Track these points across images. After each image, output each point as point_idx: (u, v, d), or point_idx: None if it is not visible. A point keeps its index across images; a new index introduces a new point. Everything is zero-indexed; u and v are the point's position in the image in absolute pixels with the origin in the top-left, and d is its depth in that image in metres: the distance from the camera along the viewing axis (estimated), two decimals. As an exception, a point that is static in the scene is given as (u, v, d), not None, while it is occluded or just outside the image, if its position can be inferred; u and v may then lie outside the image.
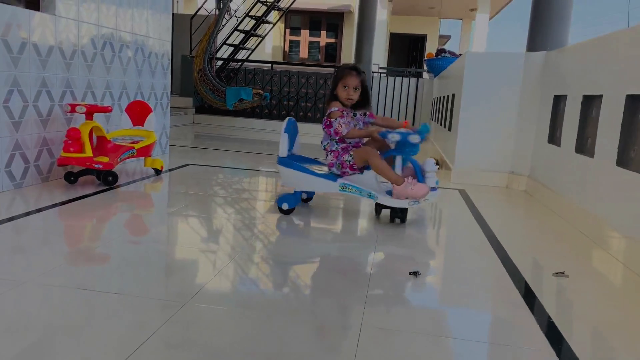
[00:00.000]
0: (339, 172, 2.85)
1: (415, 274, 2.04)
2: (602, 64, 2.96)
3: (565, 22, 4.15)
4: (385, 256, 2.36)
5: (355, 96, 2.87)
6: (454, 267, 2.32)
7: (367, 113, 2.98)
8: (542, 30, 4.17)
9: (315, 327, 1.58)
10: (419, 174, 2.82)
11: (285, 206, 2.85)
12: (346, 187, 2.80)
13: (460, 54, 7.16)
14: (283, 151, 2.86)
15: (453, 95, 5.05)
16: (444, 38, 20.32)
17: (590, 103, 3.06)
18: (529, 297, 1.94)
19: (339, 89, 2.86)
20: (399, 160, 2.82)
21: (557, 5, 4.12)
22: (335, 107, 2.86)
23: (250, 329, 1.53)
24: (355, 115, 2.97)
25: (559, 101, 3.63)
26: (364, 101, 2.94)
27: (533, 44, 4.20)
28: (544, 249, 2.64)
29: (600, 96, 2.86)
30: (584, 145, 3.10)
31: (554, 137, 3.65)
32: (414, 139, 2.69)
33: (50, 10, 3.20)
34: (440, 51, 7.78)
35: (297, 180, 2.87)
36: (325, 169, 2.94)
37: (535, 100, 4.03)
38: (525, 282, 2.09)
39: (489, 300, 1.95)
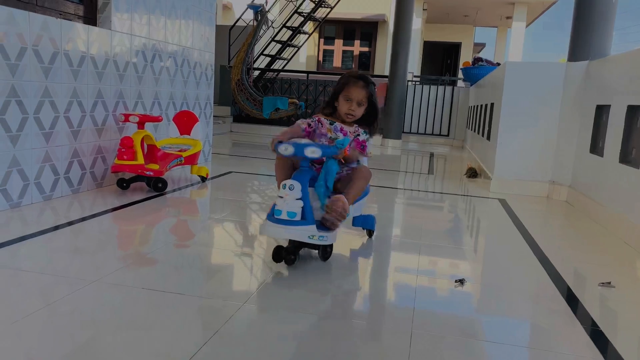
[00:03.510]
0: None
1: (461, 282, 2.08)
2: (647, 74, 2.95)
3: (607, 32, 4.12)
4: (429, 264, 2.40)
5: (358, 112, 2.33)
6: (498, 275, 2.34)
7: (365, 138, 2.37)
8: (583, 40, 4.15)
9: (368, 332, 1.65)
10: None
11: None
12: None
13: (498, 63, 7.14)
14: None
15: (492, 104, 5.05)
16: (479, 46, 20.19)
17: (636, 113, 3.05)
18: (574, 304, 1.96)
19: (340, 101, 2.33)
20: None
21: (598, 15, 4.10)
22: (311, 119, 2.39)
23: (305, 332, 1.61)
24: (334, 130, 2.37)
25: (601, 111, 3.61)
26: (368, 119, 2.39)
27: (574, 54, 4.19)
28: (587, 259, 2.64)
29: (646, 106, 2.85)
30: (629, 155, 3.08)
31: (596, 147, 3.63)
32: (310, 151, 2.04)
33: (106, 25, 3.37)
34: (477, 60, 7.76)
35: None
36: None
37: (577, 110, 4.01)
38: (570, 290, 2.11)
39: (534, 307, 1.97)
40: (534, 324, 1.84)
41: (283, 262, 2.16)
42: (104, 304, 1.72)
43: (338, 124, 2.37)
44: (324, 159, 2.17)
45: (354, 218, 2.59)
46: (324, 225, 2.12)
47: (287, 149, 2.04)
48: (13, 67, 2.67)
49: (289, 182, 2.02)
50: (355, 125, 2.39)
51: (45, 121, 2.91)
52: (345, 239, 2.62)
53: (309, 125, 2.38)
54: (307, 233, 2.04)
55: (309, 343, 1.53)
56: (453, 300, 1.98)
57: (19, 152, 2.77)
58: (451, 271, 2.33)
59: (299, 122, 2.39)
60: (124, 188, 3.37)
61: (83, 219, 2.71)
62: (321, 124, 2.38)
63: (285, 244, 2.21)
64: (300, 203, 2.03)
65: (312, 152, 2.03)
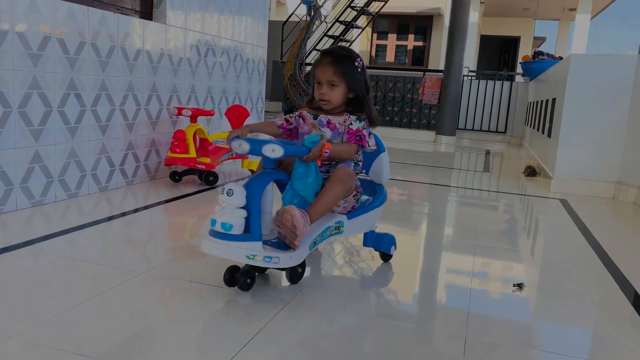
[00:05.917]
0: None
1: (519, 286, 1.97)
2: None
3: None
4: (484, 266, 2.29)
5: (333, 96, 1.88)
6: (559, 280, 2.21)
7: (360, 126, 1.90)
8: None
9: (419, 335, 1.58)
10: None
11: None
12: None
13: (560, 57, 6.81)
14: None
15: (553, 99, 4.81)
16: (539, 40, 19.42)
17: None
18: (646, 316, 1.81)
19: (315, 88, 1.93)
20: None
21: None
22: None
23: (353, 332, 1.55)
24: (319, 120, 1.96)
25: (676, 106, 3.36)
26: (356, 103, 1.94)
27: (646, 45, 3.91)
28: (659, 266, 2.45)
29: None
30: None
31: (669, 146, 3.37)
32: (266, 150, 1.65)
33: (162, 20, 3.42)
34: (537, 53, 7.42)
35: None
36: None
37: (648, 105, 3.75)
38: (639, 297, 1.95)
39: (598, 315, 1.84)
40: (598, 333, 1.71)
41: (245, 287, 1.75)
42: (153, 295, 1.72)
43: (323, 117, 1.94)
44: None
45: (365, 236, 2.11)
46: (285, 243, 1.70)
47: (241, 146, 1.66)
48: (72, 61, 2.75)
49: (228, 186, 1.63)
50: (346, 114, 1.93)
51: (101, 114, 2.98)
52: (397, 236, 2.55)
53: (287, 120, 1.96)
54: (245, 252, 1.61)
55: (357, 343, 1.48)
56: (510, 306, 1.88)
57: (77, 144, 2.85)
58: (508, 274, 2.21)
59: (277, 118, 1.99)
60: (176, 181, 3.42)
61: (136, 210, 2.76)
62: (303, 119, 1.97)
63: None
64: (242, 213, 1.63)
65: (272, 151, 1.63)
